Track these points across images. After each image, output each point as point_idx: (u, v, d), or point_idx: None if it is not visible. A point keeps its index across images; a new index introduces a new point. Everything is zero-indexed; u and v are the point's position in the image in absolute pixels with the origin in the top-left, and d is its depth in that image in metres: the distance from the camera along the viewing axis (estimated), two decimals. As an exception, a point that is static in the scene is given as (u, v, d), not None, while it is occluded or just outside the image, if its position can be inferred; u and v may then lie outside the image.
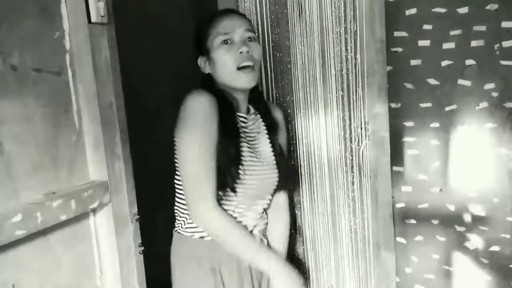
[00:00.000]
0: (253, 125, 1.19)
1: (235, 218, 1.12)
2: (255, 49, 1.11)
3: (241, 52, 1.08)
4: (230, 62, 1.09)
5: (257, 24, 1.37)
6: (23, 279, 0.86)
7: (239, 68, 1.09)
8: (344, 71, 1.23)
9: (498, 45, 1.09)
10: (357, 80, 1.20)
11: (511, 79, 1.08)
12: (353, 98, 1.22)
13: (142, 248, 1.13)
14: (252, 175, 1.11)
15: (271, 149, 1.20)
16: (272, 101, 1.41)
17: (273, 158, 1.19)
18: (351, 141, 1.25)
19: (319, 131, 1.31)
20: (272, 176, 1.18)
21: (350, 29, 1.19)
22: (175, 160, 1.12)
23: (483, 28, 1.09)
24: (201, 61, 1.16)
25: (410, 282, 1.29)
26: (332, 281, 1.37)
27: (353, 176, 1.26)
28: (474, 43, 1.11)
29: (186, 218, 1.14)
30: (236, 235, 1.07)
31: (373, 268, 1.27)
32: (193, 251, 1.13)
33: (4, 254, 0.81)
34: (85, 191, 0.96)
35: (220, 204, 1.07)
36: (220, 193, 1.08)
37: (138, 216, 1.12)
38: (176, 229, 1.18)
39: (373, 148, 1.21)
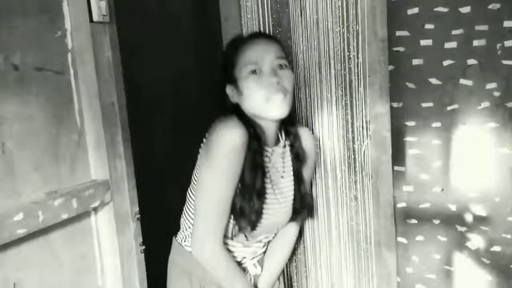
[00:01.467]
0: (278, 159, 1.14)
1: (238, 247, 1.12)
2: (286, 78, 1.03)
3: (271, 83, 1.01)
4: (259, 94, 1.02)
5: (259, 24, 1.37)
6: (24, 278, 0.86)
7: (268, 100, 1.02)
8: (346, 70, 1.22)
9: (500, 44, 1.09)
10: (359, 79, 1.20)
11: (513, 79, 1.08)
12: (354, 98, 1.22)
13: (143, 247, 1.13)
14: (268, 215, 1.08)
15: (293, 187, 1.16)
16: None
17: (292, 197, 1.15)
18: (352, 141, 1.25)
19: (320, 130, 1.30)
20: (286, 216, 1.15)
21: (352, 28, 1.19)
22: (194, 178, 1.10)
23: (485, 27, 1.09)
24: (229, 90, 1.10)
25: (411, 282, 1.29)
26: (333, 280, 1.37)
27: (355, 175, 1.26)
28: (476, 43, 1.11)
29: (188, 235, 1.13)
30: (228, 279, 1.08)
31: (374, 268, 1.27)
32: (188, 266, 1.13)
33: (5, 252, 0.81)
34: (86, 190, 0.96)
35: (226, 237, 1.07)
36: (236, 228, 1.06)
37: (139, 215, 1.12)
38: (177, 238, 1.18)
39: (375, 147, 1.21)
